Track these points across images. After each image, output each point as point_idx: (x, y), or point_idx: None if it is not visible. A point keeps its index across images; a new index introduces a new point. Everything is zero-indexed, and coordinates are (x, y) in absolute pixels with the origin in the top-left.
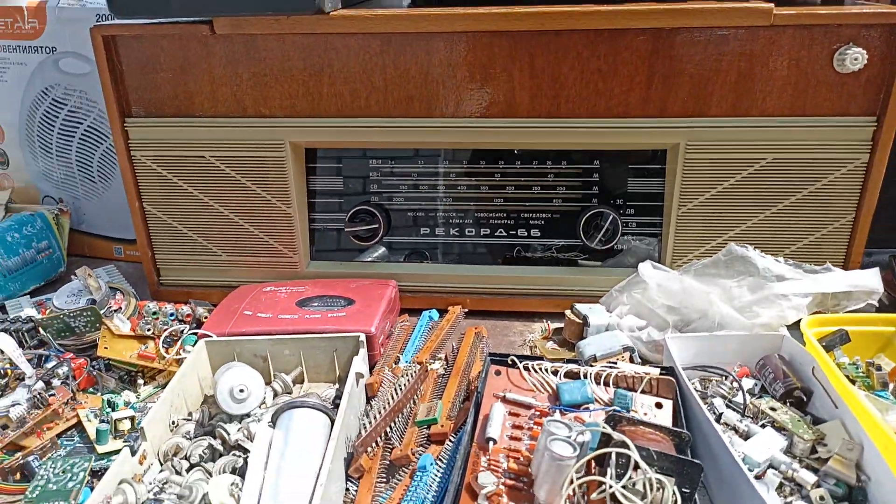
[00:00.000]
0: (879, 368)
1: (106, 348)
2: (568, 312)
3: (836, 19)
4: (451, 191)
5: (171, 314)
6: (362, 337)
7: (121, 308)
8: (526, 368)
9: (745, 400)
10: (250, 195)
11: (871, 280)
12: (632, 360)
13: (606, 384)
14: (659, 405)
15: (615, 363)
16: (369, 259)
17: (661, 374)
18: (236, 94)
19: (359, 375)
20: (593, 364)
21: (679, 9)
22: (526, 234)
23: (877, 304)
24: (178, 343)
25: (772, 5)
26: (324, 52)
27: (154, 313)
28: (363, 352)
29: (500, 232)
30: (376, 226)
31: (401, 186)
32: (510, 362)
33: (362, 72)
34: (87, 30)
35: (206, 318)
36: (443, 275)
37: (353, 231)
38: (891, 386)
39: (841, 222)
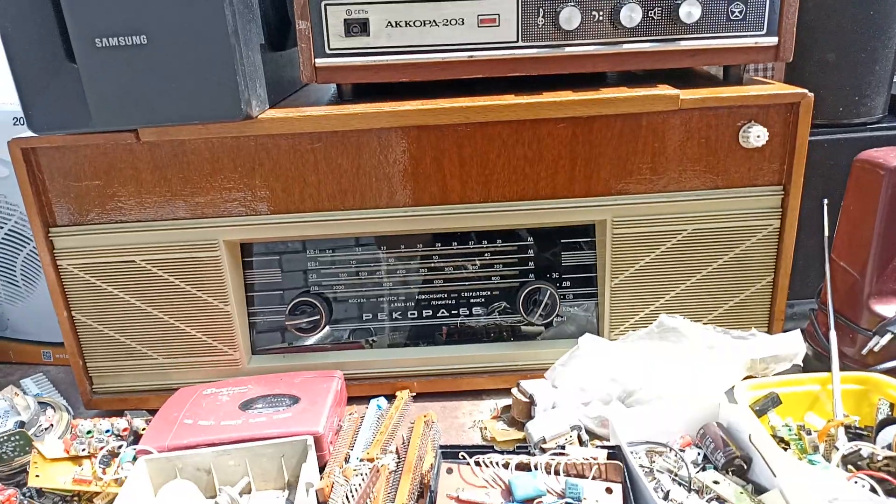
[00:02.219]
0: (809, 432)
1: (38, 476)
2: (514, 391)
3: (737, 101)
4: (391, 275)
5: (107, 430)
6: (310, 440)
7: (52, 426)
8: (477, 464)
9: (689, 474)
10: (185, 296)
11: (794, 344)
12: (580, 440)
13: (557, 473)
14: (609, 490)
15: (563, 447)
16: (311, 342)
17: (608, 457)
18: (165, 198)
19: (308, 486)
20: (543, 446)
21: (594, 99)
22: (468, 312)
23: (801, 364)
24: (117, 462)
25: (678, 92)
26: (254, 152)
27: (88, 432)
28: (312, 457)
29: (443, 312)
30: (318, 317)
31: (340, 275)
32: (461, 457)
33: (294, 169)
34: (4, 133)
35: (143, 430)
36: (388, 360)
37: (295, 324)
38: (821, 447)
39: (761, 283)
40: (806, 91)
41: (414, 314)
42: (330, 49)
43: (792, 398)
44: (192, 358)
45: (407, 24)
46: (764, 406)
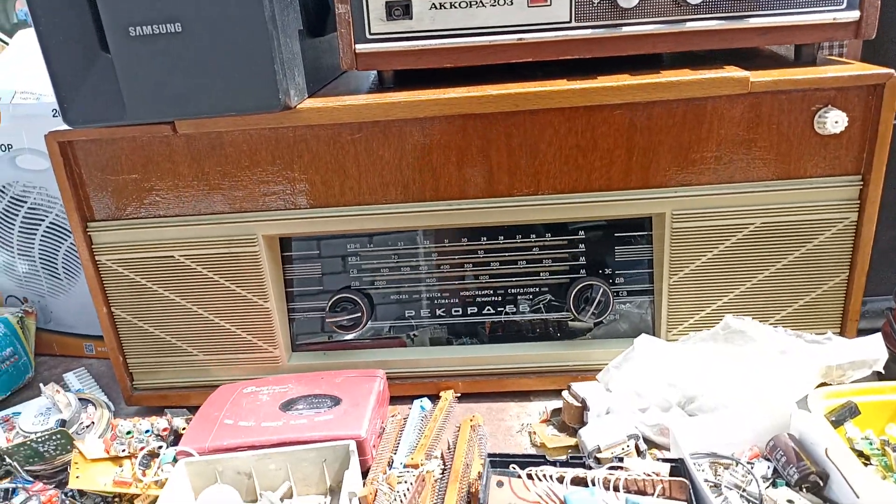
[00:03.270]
0: None
1: (78, 477)
2: (565, 394)
3: (813, 83)
4: (434, 270)
5: (147, 430)
6: (352, 446)
7: (93, 423)
8: (529, 477)
9: (760, 491)
10: (224, 292)
11: (874, 348)
12: (638, 450)
13: (616, 489)
14: None
15: (622, 459)
16: (350, 338)
17: (671, 472)
18: (203, 192)
19: (351, 495)
20: (599, 455)
21: (654, 83)
22: (514, 309)
23: (882, 371)
24: (157, 463)
25: (748, 73)
26: (293, 144)
27: (128, 432)
28: (354, 463)
29: (488, 309)
30: (359, 314)
31: (382, 269)
32: (511, 469)
33: (334, 160)
34: (44, 125)
35: (183, 429)
36: (431, 358)
37: (335, 321)
38: None
39: (835, 281)
40: (891, 71)
41: (458, 311)
42: (371, 34)
43: (871, 408)
44: (232, 355)
45: (452, 5)
46: (841, 416)
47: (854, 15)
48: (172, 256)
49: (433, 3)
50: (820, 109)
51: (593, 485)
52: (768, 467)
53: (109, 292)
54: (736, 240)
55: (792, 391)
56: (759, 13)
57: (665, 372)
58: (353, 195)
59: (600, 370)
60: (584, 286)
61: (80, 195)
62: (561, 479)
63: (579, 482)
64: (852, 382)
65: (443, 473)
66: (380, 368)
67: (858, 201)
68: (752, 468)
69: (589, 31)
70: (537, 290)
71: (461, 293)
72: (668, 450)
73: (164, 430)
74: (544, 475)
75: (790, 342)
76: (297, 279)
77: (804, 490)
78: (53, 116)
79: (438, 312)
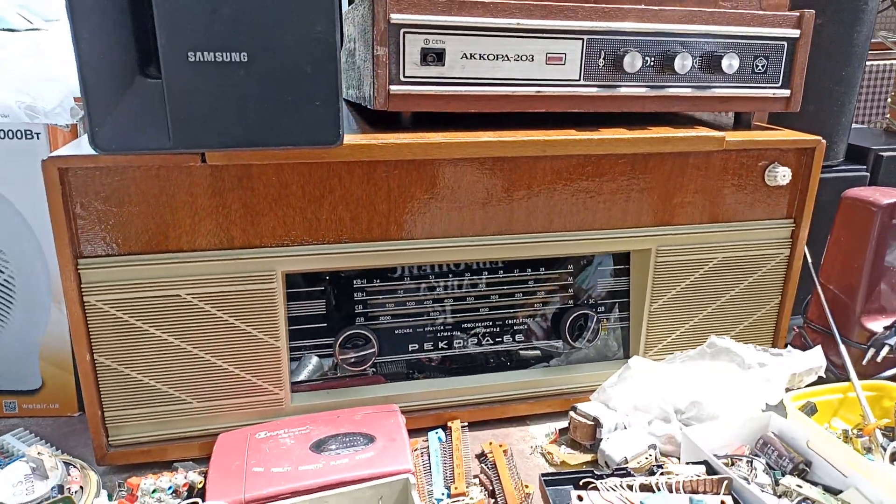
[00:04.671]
0: (860, 435)
1: None
2: (573, 414)
3: (767, 144)
4: (438, 304)
5: (170, 487)
6: (412, 479)
7: (81, 487)
8: (605, 489)
9: (773, 480)
10: (233, 332)
11: (818, 358)
12: (657, 458)
13: (677, 490)
14: (724, 503)
15: (661, 467)
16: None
17: (707, 472)
18: (222, 226)
19: None
20: (628, 466)
21: (655, 137)
22: (511, 339)
23: (824, 376)
24: None
25: (724, 134)
26: (326, 179)
27: (154, 491)
28: (416, 497)
29: (488, 340)
30: (371, 349)
31: (388, 304)
32: (582, 486)
33: (366, 197)
34: None
35: (200, 483)
36: (435, 391)
37: (346, 358)
38: (865, 439)
39: (771, 304)
40: (820, 138)
41: (461, 342)
42: (405, 76)
43: (821, 406)
44: (233, 400)
45: (481, 56)
46: (805, 414)
47: (786, 92)
48: (179, 295)
49: (464, 53)
50: (768, 165)
51: (658, 489)
52: (763, 462)
53: (96, 338)
54: (703, 272)
55: (769, 396)
56: (721, 85)
57: (659, 388)
58: (380, 231)
59: (585, 392)
60: (578, 315)
61: (72, 228)
62: (631, 487)
63: (645, 489)
64: (806, 386)
65: (495, 499)
66: (385, 403)
67: (791, 240)
68: (754, 464)
69: (594, 89)
70: (532, 319)
71: (464, 325)
72: (677, 456)
73: (184, 485)
74: (616, 485)
75: (764, 356)
76: (301, 315)
77: (796, 477)
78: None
79: (441, 345)
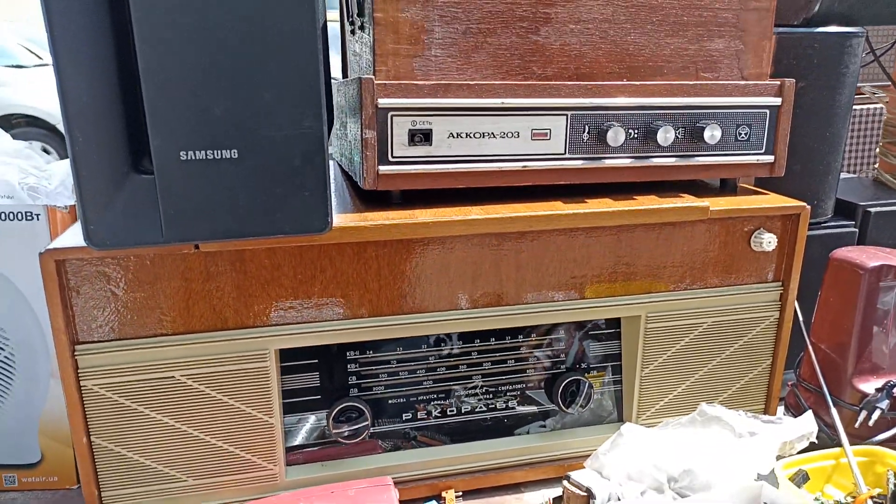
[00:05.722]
0: None
1: None
2: (566, 484)
3: (752, 211)
4: (431, 373)
5: None
6: None
7: None
8: None
9: None
10: (226, 409)
11: (809, 424)
12: None
13: None
14: None
15: None
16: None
17: None
18: (216, 308)
19: None
20: None
21: (640, 209)
22: (504, 406)
23: (816, 441)
24: None
25: (708, 203)
26: (317, 260)
27: None
28: None
29: (481, 407)
30: (365, 422)
31: (381, 375)
32: None
33: (356, 275)
34: None
35: None
36: (430, 460)
37: (340, 432)
38: None
39: (762, 367)
40: (804, 204)
41: (453, 411)
42: (393, 156)
43: (813, 473)
44: (227, 476)
45: (467, 135)
46: (796, 482)
47: (770, 158)
48: (173, 377)
49: (451, 133)
50: (754, 231)
51: None
52: None
53: (91, 420)
54: (693, 336)
55: (761, 465)
56: (704, 154)
57: (652, 455)
58: (370, 307)
59: (581, 457)
60: (570, 381)
61: (69, 315)
62: None
63: None
64: (798, 453)
65: None
66: (380, 475)
67: (780, 302)
68: None
69: (580, 161)
70: (524, 386)
71: (456, 394)
72: None
73: None
74: None
75: (755, 424)
76: (294, 389)
77: None
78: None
79: (435, 413)
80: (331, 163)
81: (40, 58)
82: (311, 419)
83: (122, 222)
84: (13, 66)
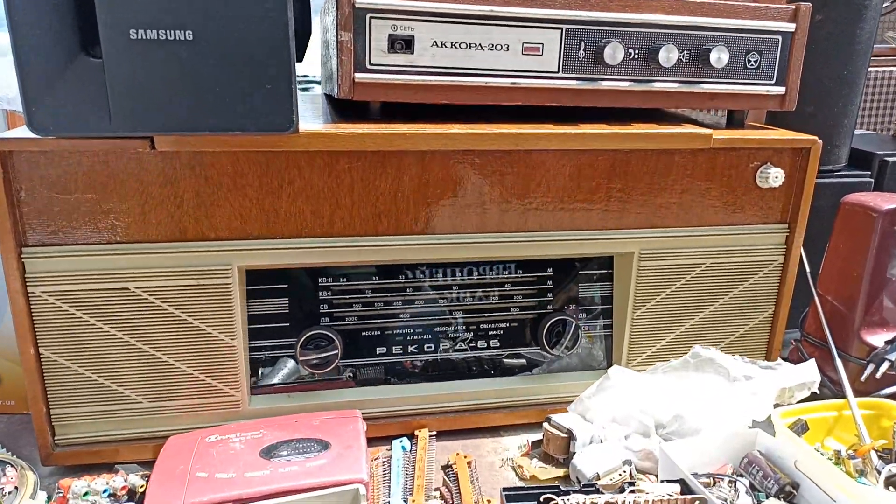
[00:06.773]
0: (853, 456)
1: None
2: (547, 426)
3: (758, 143)
4: (408, 306)
5: (105, 490)
6: (362, 489)
7: (16, 488)
8: None
9: (756, 501)
10: (185, 329)
11: (812, 373)
12: (631, 475)
13: None
14: None
15: (633, 485)
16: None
17: (681, 492)
18: (174, 216)
19: None
20: (599, 483)
21: (636, 133)
22: (486, 345)
23: (818, 391)
24: None
25: (711, 131)
26: (284, 169)
27: (85, 493)
28: None
29: (460, 345)
30: (334, 351)
31: (354, 305)
32: (543, 502)
33: (327, 189)
34: None
35: (142, 487)
36: (404, 397)
37: (307, 359)
38: (859, 461)
39: (764, 315)
40: (816, 138)
41: (431, 347)
42: (371, 64)
43: (813, 424)
44: (186, 401)
45: (452, 45)
46: (794, 432)
47: (781, 90)
48: (128, 288)
49: (435, 41)
50: (760, 166)
51: None
52: (746, 482)
53: (40, 331)
54: (690, 278)
55: (757, 412)
56: (710, 80)
57: (639, 399)
58: (342, 226)
59: (564, 402)
60: (555, 321)
61: (15, 215)
62: None
63: None
64: (798, 402)
65: None
66: (350, 408)
67: (785, 246)
68: (736, 484)
69: (574, 81)
70: (507, 325)
71: (434, 329)
72: (654, 473)
73: (123, 488)
74: (584, 502)
75: (752, 369)
76: (260, 314)
77: (781, 499)
78: None
79: (411, 349)
80: (317, 88)
81: None
82: (290, 361)
83: (70, 109)
84: None
